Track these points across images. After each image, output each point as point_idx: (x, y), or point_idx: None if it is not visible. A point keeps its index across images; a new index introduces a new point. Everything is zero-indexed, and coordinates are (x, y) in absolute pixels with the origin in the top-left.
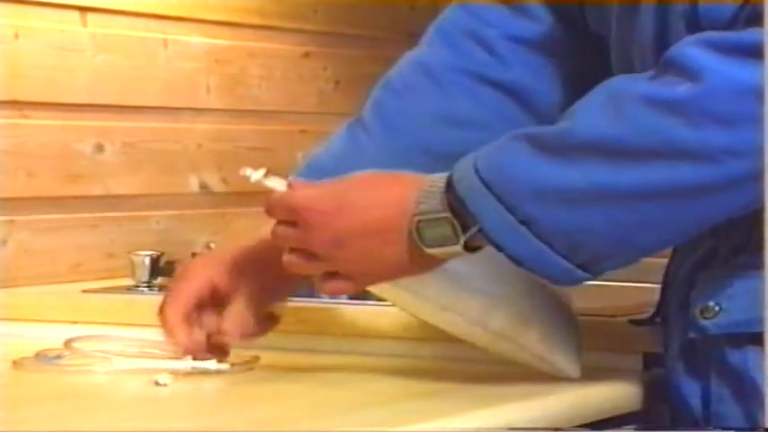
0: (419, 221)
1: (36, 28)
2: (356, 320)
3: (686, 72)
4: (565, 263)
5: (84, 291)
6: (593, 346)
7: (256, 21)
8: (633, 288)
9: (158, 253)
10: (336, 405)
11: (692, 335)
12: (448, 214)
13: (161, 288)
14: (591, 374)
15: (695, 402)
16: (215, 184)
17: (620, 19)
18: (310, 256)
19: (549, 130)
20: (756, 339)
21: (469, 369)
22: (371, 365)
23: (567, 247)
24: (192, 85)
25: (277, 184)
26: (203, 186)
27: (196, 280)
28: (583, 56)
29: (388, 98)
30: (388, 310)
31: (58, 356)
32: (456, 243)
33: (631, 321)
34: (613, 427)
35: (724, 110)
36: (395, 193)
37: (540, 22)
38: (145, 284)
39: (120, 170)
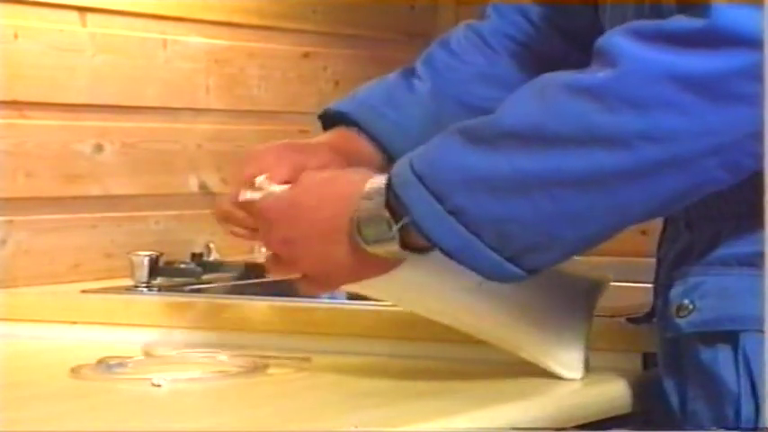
0: (358, 219)
1: (35, 28)
2: (355, 320)
3: (607, 59)
4: (494, 255)
5: (84, 291)
6: (592, 346)
7: (256, 21)
8: (633, 288)
9: (157, 253)
10: (336, 405)
11: (668, 334)
12: (384, 211)
13: (160, 288)
14: (591, 374)
15: (674, 401)
16: (214, 184)
17: (611, 19)
18: (275, 257)
19: (479, 120)
20: (726, 338)
21: (469, 369)
22: (370, 365)
23: (496, 237)
24: (192, 86)
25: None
26: (203, 187)
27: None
28: None
29: (440, 53)
30: (387, 309)
31: (120, 364)
32: (392, 239)
33: (629, 320)
34: (613, 427)
35: (638, 94)
36: (340, 192)
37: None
38: (144, 285)
39: (119, 170)
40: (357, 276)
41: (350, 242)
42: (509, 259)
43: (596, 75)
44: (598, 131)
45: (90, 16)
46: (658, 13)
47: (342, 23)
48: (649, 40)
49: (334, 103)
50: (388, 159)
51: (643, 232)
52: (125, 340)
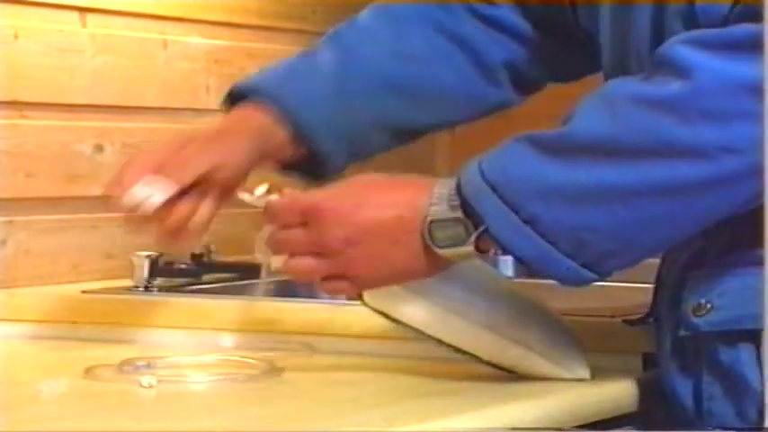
0: (431, 222)
1: (35, 28)
2: (355, 320)
3: (676, 70)
4: (569, 262)
5: (84, 291)
6: (592, 347)
7: (256, 21)
8: (631, 289)
9: (158, 254)
10: (335, 406)
11: (683, 333)
12: (460, 215)
13: (161, 289)
14: (591, 375)
15: (688, 401)
16: None
17: (613, 18)
18: (318, 255)
19: (550, 133)
20: (748, 336)
21: (469, 370)
22: (369, 366)
23: (571, 245)
24: (192, 86)
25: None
26: None
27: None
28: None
29: (349, 30)
30: None
31: (148, 365)
32: (467, 243)
33: (625, 321)
34: (613, 427)
35: (715, 107)
36: (409, 195)
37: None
38: (144, 285)
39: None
40: (403, 278)
41: (418, 244)
42: (584, 265)
43: (668, 87)
44: (677, 144)
45: (90, 17)
46: (689, 15)
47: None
48: (718, 50)
49: (239, 81)
50: (292, 135)
51: None
52: (125, 340)
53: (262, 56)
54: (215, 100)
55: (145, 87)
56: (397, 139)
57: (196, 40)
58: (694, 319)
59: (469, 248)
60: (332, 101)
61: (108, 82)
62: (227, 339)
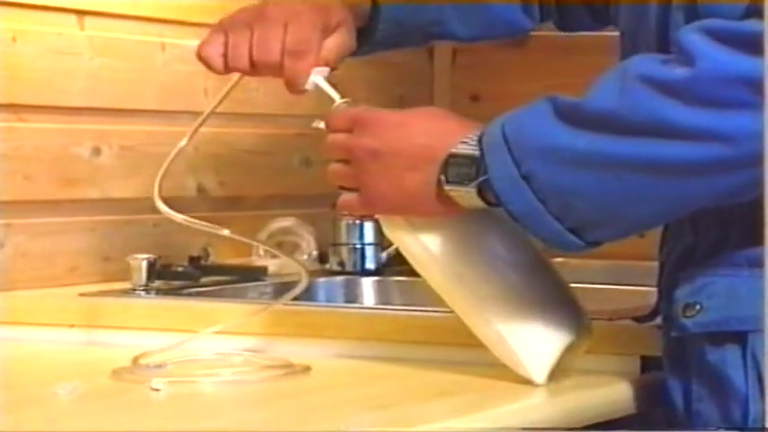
0: (450, 156)
1: (34, 31)
2: (352, 323)
3: (684, 55)
4: (556, 224)
5: (82, 294)
6: (590, 348)
7: None
8: (630, 291)
9: (155, 256)
10: (335, 407)
11: (674, 333)
12: (477, 154)
13: (158, 291)
14: (588, 377)
15: (678, 401)
16: (213, 187)
17: (628, 16)
18: (346, 162)
19: (569, 100)
20: (734, 338)
21: (467, 372)
22: (366, 369)
23: (560, 207)
24: (190, 89)
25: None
26: (201, 190)
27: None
28: None
29: None
30: (381, 313)
31: (159, 366)
32: (470, 185)
33: (634, 319)
34: (611, 429)
35: (712, 94)
36: (448, 129)
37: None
38: (142, 288)
39: (117, 173)
40: (411, 210)
41: (432, 174)
42: (570, 230)
43: (674, 71)
44: (672, 126)
45: (88, 20)
46: (691, 12)
47: None
48: (724, 42)
49: None
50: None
51: (641, 235)
52: (123, 343)
53: None
54: (212, 102)
55: (143, 90)
56: (425, 42)
57: (194, 42)
58: (683, 320)
59: (471, 191)
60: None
61: (106, 85)
62: (226, 342)
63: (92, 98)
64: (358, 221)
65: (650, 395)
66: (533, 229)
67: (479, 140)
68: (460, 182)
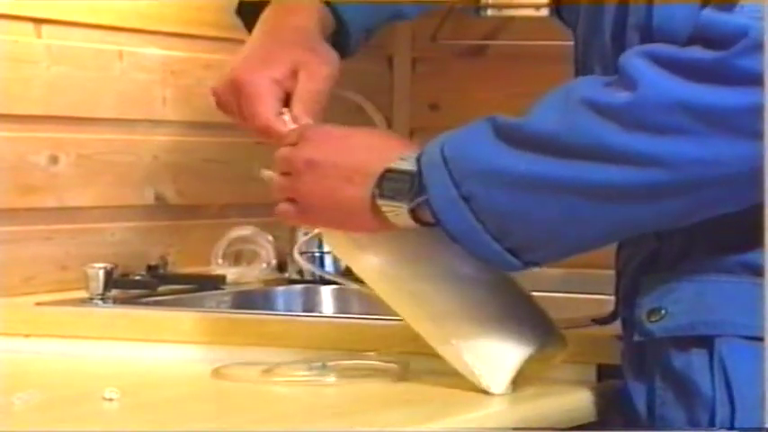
0: (386, 171)
1: None
2: (311, 332)
3: (627, 79)
4: (495, 245)
5: (38, 303)
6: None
7: (212, 33)
8: (590, 299)
9: (113, 265)
10: (290, 415)
11: (638, 338)
12: (413, 174)
13: (115, 301)
14: (546, 386)
15: (641, 406)
16: (171, 196)
17: (587, 13)
18: (286, 174)
19: (510, 120)
20: (701, 343)
21: (424, 381)
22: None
23: (498, 229)
24: (148, 97)
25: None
26: (159, 198)
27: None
28: None
29: None
30: (342, 321)
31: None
32: (404, 200)
33: (594, 320)
34: (599, 429)
35: (652, 120)
36: (388, 145)
37: None
38: (99, 297)
39: (74, 182)
40: (347, 225)
41: (367, 188)
42: (509, 250)
43: (616, 95)
44: (612, 150)
45: (45, 28)
46: (646, 31)
47: None
48: (666, 67)
49: None
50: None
51: None
52: (79, 353)
53: (218, 67)
54: (171, 111)
55: (101, 98)
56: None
57: (152, 51)
58: (648, 325)
59: (403, 207)
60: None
61: (63, 93)
62: (182, 352)
63: (49, 106)
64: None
65: (609, 402)
66: (471, 248)
67: (418, 159)
68: (393, 197)
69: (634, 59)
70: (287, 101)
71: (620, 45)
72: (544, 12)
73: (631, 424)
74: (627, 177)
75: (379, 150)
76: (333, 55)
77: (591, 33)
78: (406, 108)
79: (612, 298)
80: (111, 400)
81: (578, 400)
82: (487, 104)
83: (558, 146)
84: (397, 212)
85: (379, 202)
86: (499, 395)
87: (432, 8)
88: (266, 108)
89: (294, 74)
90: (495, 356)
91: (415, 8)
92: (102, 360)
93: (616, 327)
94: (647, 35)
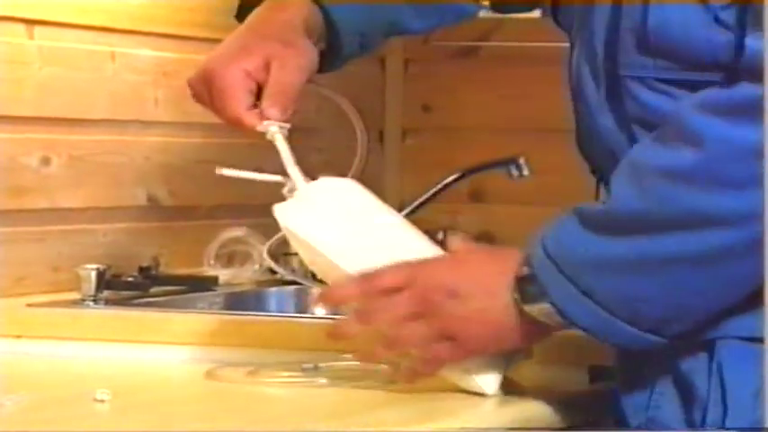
0: (521, 276)
1: None
2: (302, 333)
3: (689, 137)
4: (633, 330)
5: (30, 305)
6: (538, 359)
7: (204, 34)
8: None
9: (105, 266)
10: (282, 417)
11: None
12: (533, 273)
13: (107, 302)
14: (536, 388)
15: (635, 408)
16: (163, 197)
17: (580, 17)
18: (417, 316)
19: (594, 208)
20: (703, 345)
21: (422, 383)
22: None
23: (629, 314)
24: (140, 98)
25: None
26: (151, 199)
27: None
28: None
29: None
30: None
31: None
32: (546, 301)
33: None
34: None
35: (728, 174)
36: (503, 254)
37: None
38: (91, 298)
39: (66, 183)
40: (503, 341)
41: (509, 298)
42: (648, 331)
43: (683, 156)
44: (701, 214)
45: (37, 29)
46: (642, 34)
47: None
48: (725, 115)
49: None
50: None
51: None
52: (71, 354)
53: None
54: (163, 112)
55: (92, 99)
56: (384, 40)
57: (144, 52)
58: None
59: (548, 306)
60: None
61: (55, 94)
62: (175, 353)
63: (41, 107)
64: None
65: (599, 405)
66: (612, 339)
67: (527, 262)
68: (536, 300)
69: (690, 114)
70: (260, 93)
71: (612, 48)
72: (536, 13)
73: (624, 425)
74: (725, 238)
75: (497, 261)
76: (309, 48)
77: (582, 35)
78: (398, 109)
79: None
80: (102, 401)
81: (567, 403)
82: (480, 106)
83: (650, 223)
84: (546, 314)
85: (527, 308)
86: (487, 397)
87: (441, 22)
88: (236, 100)
89: (267, 66)
90: (487, 357)
91: (419, 21)
92: (94, 361)
93: None
94: (643, 37)
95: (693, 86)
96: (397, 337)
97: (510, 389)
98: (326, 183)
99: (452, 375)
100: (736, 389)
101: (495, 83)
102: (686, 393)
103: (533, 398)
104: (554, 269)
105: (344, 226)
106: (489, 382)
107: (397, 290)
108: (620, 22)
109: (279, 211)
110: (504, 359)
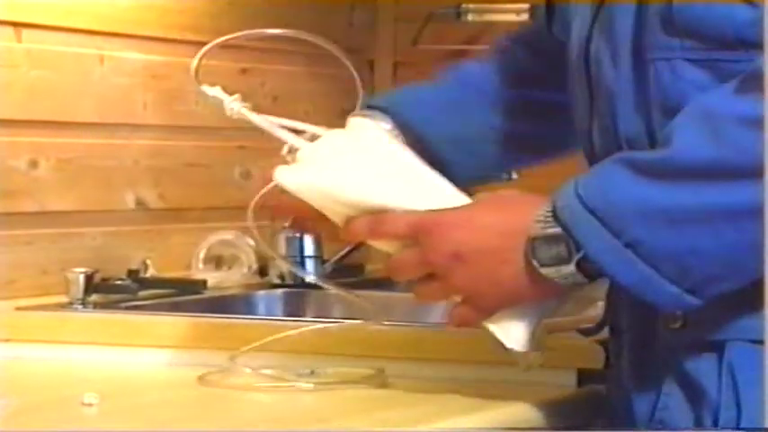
0: (534, 239)
1: None
2: (292, 337)
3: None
4: (673, 288)
5: (18, 308)
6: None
7: (192, 37)
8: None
9: (93, 270)
10: (275, 421)
11: (653, 344)
12: (561, 232)
13: (96, 305)
14: (524, 390)
15: (641, 411)
16: (152, 200)
17: (581, 16)
18: (430, 277)
19: (649, 155)
20: (713, 347)
21: (400, 386)
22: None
23: (675, 270)
24: (129, 101)
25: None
26: (140, 203)
27: None
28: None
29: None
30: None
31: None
32: (569, 263)
33: (580, 331)
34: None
35: None
36: (513, 213)
37: None
38: (80, 302)
39: (55, 186)
40: (517, 299)
41: (523, 262)
42: (688, 291)
43: (762, 103)
44: None
45: (25, 32)
46: (667, 14)
47: (278, 40)
48: None
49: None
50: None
51: None
52: (59, 358)
53: (199, 71)
54: (152, 115)
55: (81, 103)
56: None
57: (133, 55)
58: (666, 333)
59: (570, 268)
60: (444, 113)
61: (43, 97)
62: (164, 356)
63: (29, 110)
64: (298, 234)
65: (589, 407)
66: (647, 295)
67: (554, 217)
68: (555, 263)
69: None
70: None
71: (639, 31)
72: (524, 17)
73: (618, 425)
74: None
75: (510, 220)
76: None
77: (602, 25)
78: None
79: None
80: (90, 405)
81: (555, 405)
82: None
83: (724, 171)
84: (566, 275)
85: (544, 271)
86: (472, 399)
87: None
88: None
89: None
90: (511, 313)
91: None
92: (82, 365)
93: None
94: (668, 17)
95: (719, 68)
96: (419, 294)
97: (498, 392)
98: (332, 134)
99: (484, 329)
100: (751, 391)
101: None
102: (694, 395)
103: (522, 401)
104: (592, 220)
105: (362, 167)
106: (515, 337)
107: (404, 238)
108: (647, 6)
109: (281, 172)
110: (532, 315)
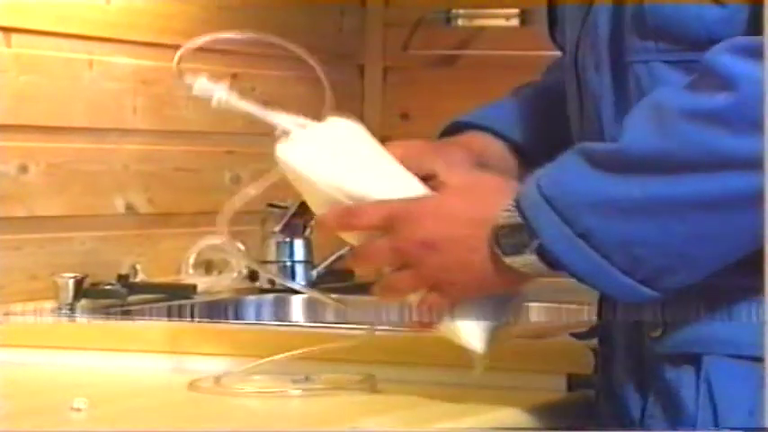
0: (500, 228)
1: None
2: (282, 342)
3: (721, 80)
4: (626, 279)
5: (7, 313)
6: (516, 366)
7: (183, 42)
8: (564, 309)
9: (83, 275)
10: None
11: (637, 352)
12: (522, 221)
13: (85, 310)
14: (514, 394)
15: (632, 417)
16: (141, 205)
17: (571, 21)
18: (402, 266)
19: (603, 147)
20: (690, 359)
21: (390, 390)
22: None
23: (626, 261)
24: (119, 106)
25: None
26: (129, 207)
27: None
28: None
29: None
30: (300, 331)
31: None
32: (528, 252)
33: (572, 335)
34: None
35: (757, 116)
36: (482, 200)
37: None
38: (68, 307)
39: (44, 191)
40: (485, 288)
41: (488, 250)
42: (642, 282)
43: (715, 98)
44: (728, 156)
45: (15, 36)
46: (639, 15)
47: (269, 45)
48: (756, 57)
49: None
50: (521, 160)
51: None
52: (48, 363)
53: (189, 76)
54: (142, 120)
55: (70, 107)
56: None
57: (123, 60)
58: (648, 340)
59: (531, 257)
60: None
61: (33, 102)
62: (153, 361)
63: (18, 115)
64: (288, 239)
65: (579, 412)
66: (601, 286)
67: (517, 205)
68: (518, 252)
69: (723, 58)
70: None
71: (617, 35)
72: (514, 22)
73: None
74: (750, 182)
75: (478, 209)
76: None
77: (586, 31)
78: (376, 117)
79: (588, 307)
80: (79, 410)
81: (545, 410)
82: (458, 114)
83: (669, 163)
84: (529, 264)
85: (507, 260)
86: (462, 402)
87: None
88: None
89: None
90: (474, 313)
91: None
92: (71, 370)
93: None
94: (641, 20)
95: (695, 69)
96: (384, 287)
97: (488, 397)
98: (331, 122)
99: (446, 331)
100: (728, 410)
101: (474, 91)
102: (673, 406)
103: (512, 405)
104: (548, 209)
105: (345, 161)
106: (476, 338)
107: (375, 229)
108: (623, 9)
109: (282, 150)
110: (493, 316)
